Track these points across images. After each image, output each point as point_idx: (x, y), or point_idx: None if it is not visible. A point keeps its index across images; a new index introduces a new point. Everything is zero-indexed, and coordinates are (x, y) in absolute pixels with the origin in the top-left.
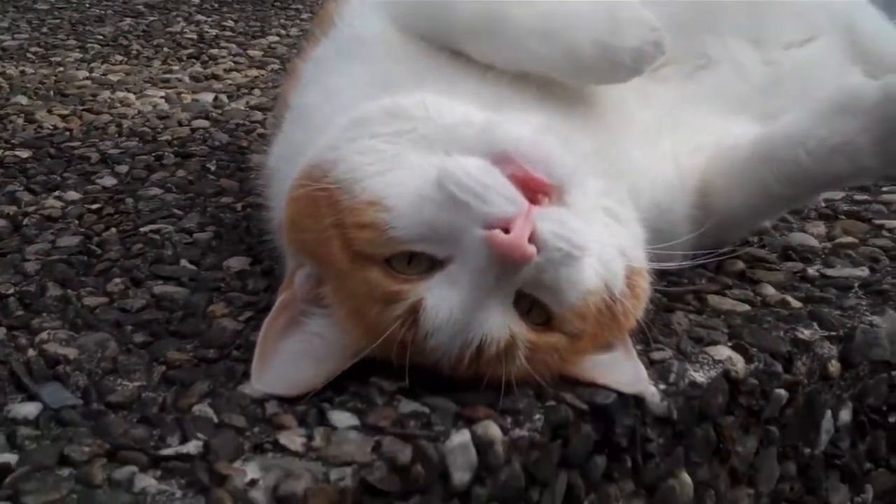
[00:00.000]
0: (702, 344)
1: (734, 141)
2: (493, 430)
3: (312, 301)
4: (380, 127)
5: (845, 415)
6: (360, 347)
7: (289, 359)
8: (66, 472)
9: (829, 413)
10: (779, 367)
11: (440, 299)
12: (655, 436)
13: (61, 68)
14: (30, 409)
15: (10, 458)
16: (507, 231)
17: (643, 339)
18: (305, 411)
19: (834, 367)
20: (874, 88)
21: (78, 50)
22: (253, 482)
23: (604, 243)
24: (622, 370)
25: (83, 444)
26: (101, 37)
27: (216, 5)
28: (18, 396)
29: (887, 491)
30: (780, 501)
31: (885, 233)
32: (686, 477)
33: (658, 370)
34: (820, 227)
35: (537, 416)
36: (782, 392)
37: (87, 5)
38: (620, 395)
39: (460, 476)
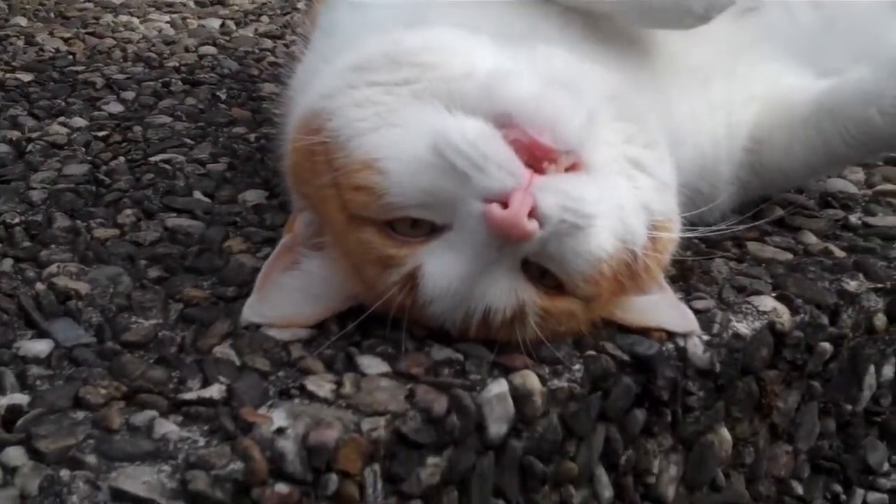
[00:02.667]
0: (745, 293)
1: (791, 93)
2: (531, 380)
3: (313, 246)
4: (379, 75)
5: (888, 370)
6: (357, 295)
7: (285, 293)
8: (81, 415)
9: (872, 368)
10: (825, 320)
11: (439, 267)
12: (696, 389)
13: None
14: (41, 347)
15: (22, 398)
16: (505, 205)
17: (683, 287)
18: (333, 355)
19: (880, 320)
20: None
21: None
22: (281, 430)
23: (623, 201)
24: (667, 311)
25: (99, 385)
26: None
27: None
28: (28, 333)
29: None
30: (818, 459)
31: None
32: (725, 432)
33: (701, 320)
34: (859, 174)
35: (577, 367)
36: (827, 346)
37: None
38: (662, 346)
39: (497, 428)
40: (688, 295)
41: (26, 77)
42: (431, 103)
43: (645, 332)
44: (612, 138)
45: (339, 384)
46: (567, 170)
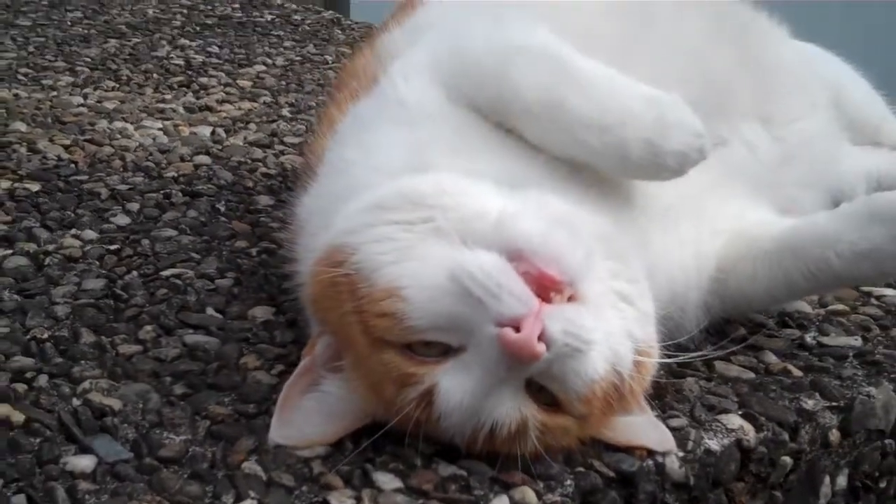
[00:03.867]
0: (714, 412)
1: (754, 228)
2: (529, 495)
3: (331, 369)
4: (398, 214)
5: (842, 480)
6: (373, 413)
7: (305, 415)
8: None
9: (827, 479)
10: (786, 436)
11: (453, 385)
12: (673, 500)
13: (54, 93)
14: (86, 463)
15: None
16: (517, 329)
17: (658, 405)
18: (350, 471)
19: (834, 435)
20: None
21: (68, 73)
22: None
23: (613, 329)
24: (648, 431)
25: (143, 500)
26: (89, 59)
27: (198, 29)
28: (71, 448)
29: None
30: None
31: (873, 301)
32: None
33: (677, 437)
34: (812, 295)
35: (568, 482)
36: (788, 459)
37: (69, 23)
38: (643, 463)
39: None
40: (663, 413)
41: (34, 187)
42: (447, 239)
43: (628, 449)
44: (602, 274)
45: (359, 499)
46: (568, 300)
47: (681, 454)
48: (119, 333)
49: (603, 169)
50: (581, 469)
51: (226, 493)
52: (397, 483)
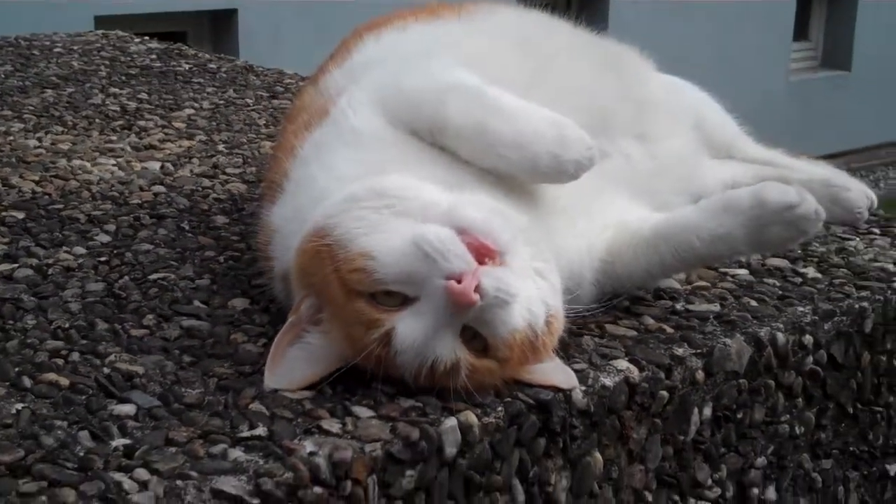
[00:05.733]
0: (607, 359)
1: (636, 222)
2: (471, 417)
3: (313, 322)
4: (368, 202)
5: (707, 411)
6: (347, 357)
7: (292, 363)
8: (173, 449)
9: (696, 410)
10: (662, 375)
11: (407, 328)
12: (578, 424)
13: (11, 137)
14: (128, 409)
15: (128, 441)
16: (459, 282)
17: (563, 355)
18: (333, 407)
19: (700, 375)
20: (748, 194)
21: (17, 120)
22: (313, 453)
23: (530, 295)
24: (557, 373)
25: (179, 430)
26: (32, 107)
27: (124, 78)
28: (113, 401)
29: (736, 470)
30: (662, 475)
31: (729, 278)
32: (598, 455)
33: (578, 377)
34: (680, 274)
35: (499, 408)
36: (665, 393)
37: (3, 76)
38: (556, 393)
39: (450, 450)
40: (568, 360)
41: (20, 215)
42: (409, 218)
43: (542, 387)
44: (523, 255)
45: (344, 424)
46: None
47: (583, 388)
48: (127, 321)
49: (518, 175)
50: (508, 399)
51: (241, 423)
52: (370, 413)
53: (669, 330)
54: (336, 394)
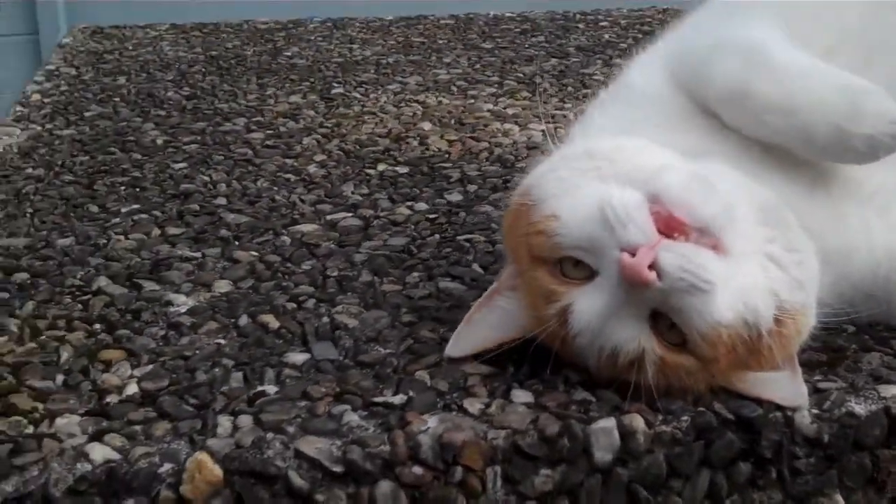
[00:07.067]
0: (878, 382)
1: None
2: (637, 421)
3: (510, 288)
4: (577, 163)
5: None
6: (527, 328)
7: (476, 327)
8: (303, 403)
9: None
10: None
11: (585, 304)
12: (804, 454)
13: (472, 101)
14: (300, 358)
15: (272, 388)
16: (633, 255)
17: (827, 371)
18: (497, 387)
19: None
20: None
21: (495, 86)
22: (424, 430)
23: (752, 284)
24: (780, 387)
25: (322, 385)
26: (521, 75)
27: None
28: (298, 348)
29: None
30: None
31: None
32: (839, 498)
33: (818, 397)
34: None
35: (685, 418)
36: None
37: (527, 45)
38: (767, 414)
39: (602, 455)
40: (825, 378)
41: (403, 170)
42: (608, 183)
43: (757, 401)
44: (753, 236)
45: (489, 406)
46: (712, 250)
47: (815, 412)
48: (390, 276)
49: (794, 150)
50: (701, 409)
51: (389, 388)
52: (528, 398)
53: None
54: (514, 374)
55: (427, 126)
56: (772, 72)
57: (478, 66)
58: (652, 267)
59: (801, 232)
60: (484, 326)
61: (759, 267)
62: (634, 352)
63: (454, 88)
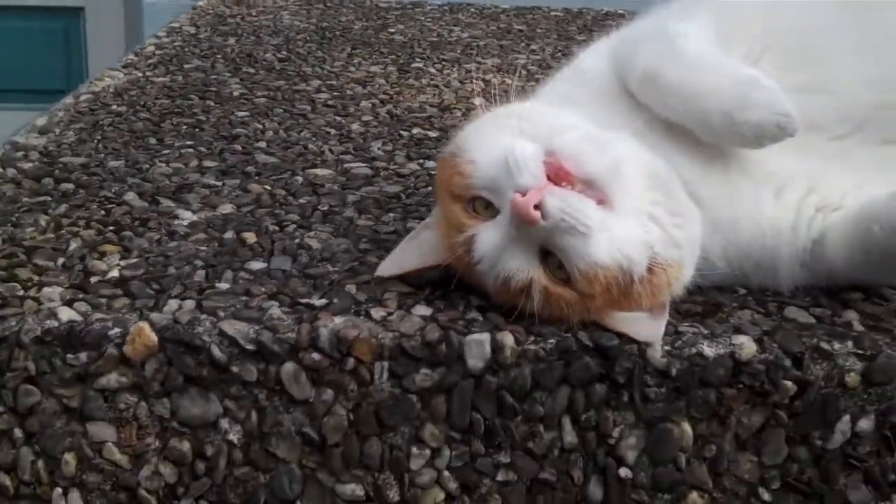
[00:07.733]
0: (731, 332)
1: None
2: (508, 337)
3: (436, 225)
4: (502, 120)
5: (865, 424)
6: (441, 256)
7: (402, 253)
8: (243, 298)
9: (846, 418)
10: (788, 363)
11: (486, 236)
12: (654, 384)
13: (533, 84)
14: (258, 266)
15: (224, 286)
16: (524, 196)
17: (699, 321)
18: (406, 302)
19: (852, 379)
20: None
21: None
22: (328, 325)
23: (629, 235)
24: (640, 325)
25: (264, 286)
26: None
27: None
28: (261, 260)
29: None
30: (788, 478)
31: None
32: (686, 426)
33: (676, 339)
34: None
35: (551, 340)
36: (789, 384)
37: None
38: (622, 343)
39: (474, 362)
40: (691, 325)
41: (433, 134)
42: (518, 137)
43: (618, 334)
44: (639, 197)
45: (390, 314)
46: (598, 203)
47: (667, 348)
48: (369, 214)
49: (697, 133)
50: (567, 335)
51: (318, 294)
52: (426, 312)
53: (858, 327)
54: (427, 295)
55: (478, 101)
56: (681, 61)
57: (559, 55)
58: (538, 208)
59: (688, 200)
60: (410, 253)
61: (640, 224)
62: (523, 280)
63: (524, 72)
